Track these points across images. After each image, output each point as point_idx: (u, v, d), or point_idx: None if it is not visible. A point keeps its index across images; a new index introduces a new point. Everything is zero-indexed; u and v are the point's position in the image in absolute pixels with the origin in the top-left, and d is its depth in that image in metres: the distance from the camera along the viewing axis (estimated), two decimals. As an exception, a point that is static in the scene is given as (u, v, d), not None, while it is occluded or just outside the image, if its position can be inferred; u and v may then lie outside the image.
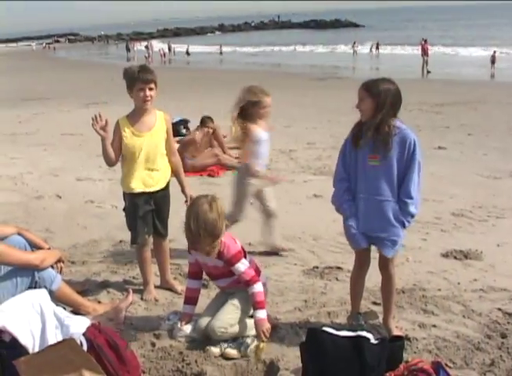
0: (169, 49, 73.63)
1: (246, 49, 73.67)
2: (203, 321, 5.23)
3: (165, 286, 6.41)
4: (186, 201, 6.14)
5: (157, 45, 73.32)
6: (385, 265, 5.26)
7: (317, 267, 6.92)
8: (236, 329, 5.18)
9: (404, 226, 5.04)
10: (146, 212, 6.02)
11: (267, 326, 5.04)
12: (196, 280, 5.50)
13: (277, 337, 5.30)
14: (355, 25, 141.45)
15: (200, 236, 4.88)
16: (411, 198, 4.97)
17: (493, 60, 38.61)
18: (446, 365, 4.74)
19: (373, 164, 4.96)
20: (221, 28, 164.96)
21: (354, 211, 5.06)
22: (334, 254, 7.33)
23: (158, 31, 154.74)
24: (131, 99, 5.91)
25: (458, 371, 4.76)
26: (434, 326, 5.51)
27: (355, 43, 63.81)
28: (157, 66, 52.22)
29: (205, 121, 12.64)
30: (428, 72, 38.16)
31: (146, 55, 62.97)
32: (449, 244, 7.63)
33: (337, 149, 13.79)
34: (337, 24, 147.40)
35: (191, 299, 5.49)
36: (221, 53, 69.92)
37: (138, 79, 5.74)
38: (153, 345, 5.23)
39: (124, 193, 6.09)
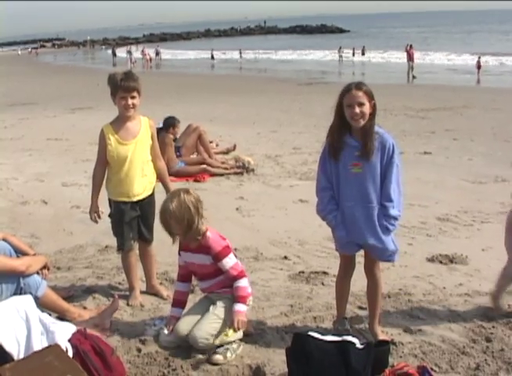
0: (156, 54, 73.47)
1: (233, 54, 73.61)
2: (183, 327, 5.20)
3: (151, 291, 6.39)
4: None
5: (151, 51, 73.00)
6: (371, 269, 5.28)
7: (303, 272, 6.92)
8: (218, 339, 5.14)
9: (388, 230, 5.02)
10: (131, 218, 6.03)
11: (243, 318, 5.04)
12: (184, 283, 5.51)
13: (263, 342, 5.30)
14: (341, 30, 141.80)
15: (171, 226, 5.01)
16: (391, 201, 4.98)
17: (479, 66, 38.93)
18: (431, 369, 4.75)
19: (356, 172, 4.95)
20: (208, 33, 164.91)
21: (340, 220, 5.04)
22: (320, 258, 7.35)
23: (144, 36, 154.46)
24: (115, 105, 5.91)
25: (443, 375, 4.78)
26: (420, 330, 5.53)
27: (340, 48, 63.95)
28: (143, 72, 52.29)
29: (169, 124, 12.37)
30: (414, 77, 38.26)
31: (130, 60, 62.93)
32: (435, 248, 7.66)
33: (323, 154, 13.87)
34: (323, 29, 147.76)
35: (179, 302, 5.49)
36: (212, 58, 69.60)
37: (120, 87, 5.72)
38: (139, 350, 5.22)
39: (110, 200, 6.10)
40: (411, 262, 7.15)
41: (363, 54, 63.78)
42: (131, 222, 6.03)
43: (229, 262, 5.19)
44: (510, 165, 12.49)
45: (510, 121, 18.77)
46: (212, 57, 70.04)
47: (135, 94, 5.78)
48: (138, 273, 6.43)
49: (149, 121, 6.09)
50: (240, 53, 69.36)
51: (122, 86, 5.71)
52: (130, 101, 5.75)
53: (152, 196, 6.17)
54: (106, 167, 5.96)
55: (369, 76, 41.49)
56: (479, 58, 40.38)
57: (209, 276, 5.32)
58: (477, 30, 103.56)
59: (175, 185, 11.19)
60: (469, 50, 57.45)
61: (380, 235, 5.01)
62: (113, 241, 7.90)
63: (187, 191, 5.12)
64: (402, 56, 50.46)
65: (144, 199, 6.05)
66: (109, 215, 6.17)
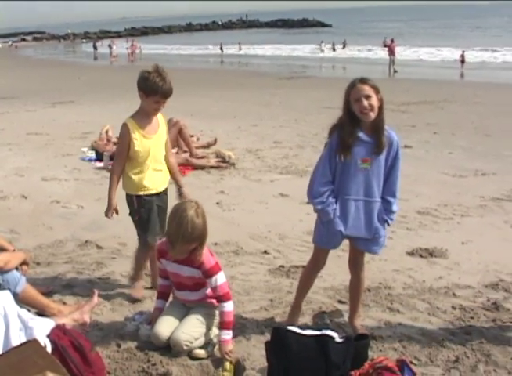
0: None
1: (214, 48, 73.41)
2: (164, 330, 5.13)
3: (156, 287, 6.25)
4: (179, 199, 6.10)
5: (146, 47, 72.54)
6: (358, 264, 5.31)
7: (283, 266, 6.92)
8: (200, 342, 5.12)
9: (388, 224, 5.12)
10: (156, 213, 6.01)
11: (230, 347, 4.96)
12: (167, 279, 5.44)
13: (243, 336, 5.30)
14: (323, 24, 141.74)
15: (188, 241, 4.89)
16: (395, 197, 5.08)
17: (462, 60, 39.16)
18: (411, 362, 4.77)
19: (365, 167, 4.96)
20: (189, 27, 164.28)
21: (338, 214, 5.00)
22: (300, 253, 7.34)
23: (126, 30, 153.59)
24: (141, 100, 5.83)
25: (423, 368, 4.81)
26: (400, 324, 5.56)
27: (322, 42, 64.03)
28: (125, 65, 52.11)
29: None
30: (395, 71, 38.34)
31: (111, 54, 62.59)
32: (415, 242, 7.69)
33: (304, 148, 13.94)
34: (304, 23, 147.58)
35: (163, 294, 5.47)
36: (222, 50, 68.64)
37: (158, 92, 5.66)
38: (119, 345, 5.19)
39: (132, 197, 5.98)
40: (391, 255, 7.17)
41: (344, 47, 63.86)
42: (156, 215, 6.00)
43: (219, 280, 5.10)
44: (491, 159, 12.59)
45: (490, 115, 18.89)
46: (221, 49, 69.06)
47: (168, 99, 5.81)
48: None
49: (163, 117, 6.10)
50: (221, 48, 68.98)
51: (162, 92, 5.67)
52: (162, 105, 5.79)
53: (167, 189, 6.16)
54: (124, 160, 5.89)
55: (350, 70, 41.53)
56: (463, 52, 40.64)
57: (196, 287, 5.25)
58: (457, 24, 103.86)
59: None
60: (450, 44, 57.63)
61: (379, 229, 5.05)
62: (93, 236, 7.94)
63: (199, 203, 5.05)
64: (383, 50, 50.57)
65: (161, 192, 6.06)
66: (132, 213, 6.07)
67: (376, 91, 4.88)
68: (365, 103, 4.80)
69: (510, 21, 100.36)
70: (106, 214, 6.07)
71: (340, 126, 4.97)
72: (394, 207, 5.10)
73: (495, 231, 8.21)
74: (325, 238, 5.18)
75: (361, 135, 4.92)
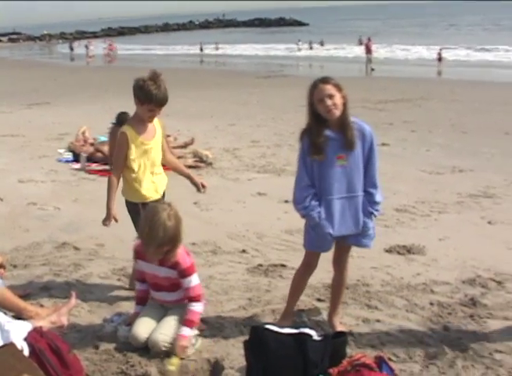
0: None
1: (192, 48, 73.22)
2: (142, 331, 5.11)
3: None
4: (199, 190, 6.10)
5: (123, 47, 72.12)
6: (343, 261, 5.33)
7: (261, 265, 6.92)
8: None
9: (373, 216, 5.12)
10: None
11: (186, 343, 4.97)
12: (145, 283, 5.42)
13: (222, 336, 5.28)
14: (300, 23, 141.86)
15: (160, 245, 4.87)
16: (376, 187, 5.09)
17: (440, 58, 39.41)
18: (389, 359, 4.78)
19: (342, 164, 4.95)
20: (166, 27, 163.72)
21: (324, 216, 4.98)
22: (278, 251, 7.35)
23: (102, 30, 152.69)
24: (136, 108, 5.73)
25: (401, 365, 4.82)
26: (378, 321, 5.57)
27: (299, 41, 64.10)
28: (102, 66, 51.90)
29: (123, 119, 12.21)
30: (372, 70, 38.45)
31: (87, 54, 62.29)
32: (393, 239, 7.71)
33: (281, 146, 13.95)
34: (281, 22, 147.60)
35: (142, 299, 5.44)
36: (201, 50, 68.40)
37: (152, 101, 5.53)
38: (97, 347, 5.16)
39: (138, 205, 5.81)
40: (369, 253, 7.12)
41: (322, 46, 63.94)
42: None
43: (193, 281, 5.14)
44: (467, 156, 12.67)
45: (467, 113, 19.02)
46: (201, 49, 68.71)
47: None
48: None
49: (160, 120, 6.00)
50: (201, 48, 68.75)
51: (157, 100, 5.54)
52: (157, 113, 5.69)
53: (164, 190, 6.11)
54: (122, 168, 5.75)
55: (327, 69, 41.57)
56: (440, 50, 40.91)
57: (172, 288, 5.23)
58: (432, 22, 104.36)
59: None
60: (426, 42, 57.90)
61: (366, 222, 5.06)
62: (70, 238, 7.89)
63: (172, 204, 5.04)
64: (360, 49, 50.71)
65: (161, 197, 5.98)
66: (136, 220, 5.79)
67: (339, 88, 4.88)
68: (329, 102, 4.81)
69: (485, 19, 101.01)
70: (104, 222, 5.94)
71: (309, 130, 4.99)
72: (378, 198, 5.11)
73: (472, 227, 8.25)
74: (316, 242, 5.14)
75: (329, 133, 4.91)
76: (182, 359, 4.86)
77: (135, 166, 5.71)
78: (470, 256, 7.13)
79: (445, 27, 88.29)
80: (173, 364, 4.80)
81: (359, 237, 5.14)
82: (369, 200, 5.07)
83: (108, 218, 5.89)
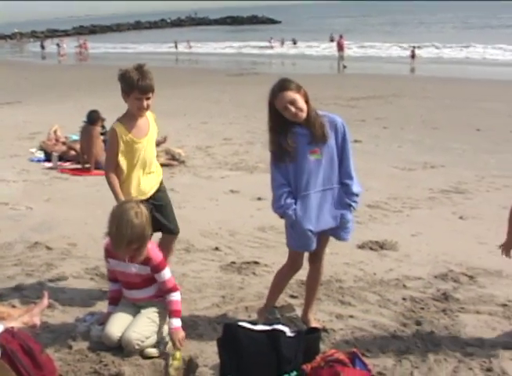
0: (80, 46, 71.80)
1: (164, 46, 72.98)
2: (115, 330, 5.08)
3: None
4: None
5: (95, 45, 71.48)
6: (320, 257, 5.34)
7: (234, 262, 6.91)
8: (152, 341, 5.08)
9: (352, 208, 5.11)
10: (156, 212, 5.76)
11: (182, 334, 4.98)
12: (117, 283, 5.39)
13: (195, 333, 5.27)
14: (272, 21, 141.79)
15: (128, 243, 4.84)
16: (352, 178, 5.07)
17: (413, 55, 39.68)
18: (363, 354, 4.79)
19: (316, 158, 4.94)
20: (138, 25, 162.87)
21: (301, 213, 4.94)
22: (251, 249, 7.35)
23: (74, 29, 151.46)
24: (126, 103, 5.60)
25: (374, 359, 4.84)
26: (351, 316, 5.59)
27: (271, 38, 64.12)
28: (74, 64, 51.57)
29: (94, 117, 12.16)
30: (344, 67, 38.58)
31: (59, 53, 61.81)
32: (365, 235, 7.74)
33: (254, 144, 13.96)
34: (254, 20, 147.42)
35: (115, 299, 5.41)
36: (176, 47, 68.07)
37: (136, 88, 5.39)
38: (70, 347, 5.12)
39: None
40: (342, 249, 7.17)
41: (294, 43, 64.01)
42: (156, 213, 5.75)
43: (167, 274, 5.13)
44: (439, 152, 12.75)
45: (438, 109, 19.14)
46: (176, 47, 68.33)
47: (150, 94, 5.53)
48: None
49: (153, 115, 5.89)
50: (176, 45, 68.45)
51: (139, 87, 5.40)
52: (145, 102, 5.49)
53: (162, 186, 5.99)
54: (115, 165, 5.61)
55: (299, 66, 41.70)
56: (414, 47, 41.20)
57: (144, 284, 5.21)
58: (403, 20, 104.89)
59: (104, 178, 11.10)
60: (397, 40, 58.19)
61: (344, 214, 5.05)
62: (42, 237, 7.82)
63: (139, 202, 5.04)
64: (332, 46, 50.84)
65: (155, 192, 5.85)
66: None
67: (298, 89, 4.87)
68: (293, 108, 4.81)
69: (454, 17, 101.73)
70: None
71: (271, 137, 5.01)
72: (355, 189, 5.08)
73: (444, 223, 8.32)
74: (298, 241, 5.09)
75: (298, 129, 4.92)
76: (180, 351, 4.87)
77: (123, 164, 5.60)
78: (442, 251, 7.18)
79: (415, 25, 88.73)
80: (177, 359, 4.78)
81: (338, 230, 5.13)
82: (346, 191, 5.06)
83: None
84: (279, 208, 4.98)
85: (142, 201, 5.54)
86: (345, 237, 5.25)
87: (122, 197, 5.50)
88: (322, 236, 5.19)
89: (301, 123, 4.91)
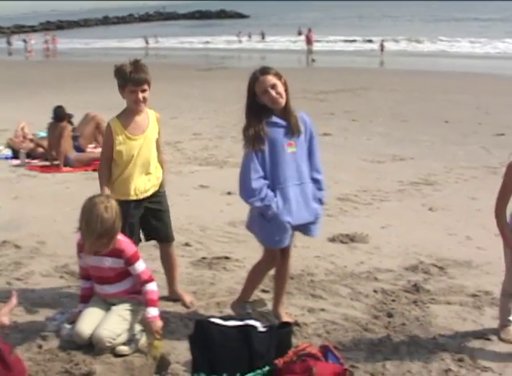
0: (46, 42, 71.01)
1: (132, 42, 72.57)
2: (85, 328, 5.01)
3: (174, 297, 5.92)
4: None
5: (62, 41, 70.67)
6: (288, 252, 5.27)
7: (205, 258, 6.88)
8: (123, 339, 5.01)
9: (322, 203, 5.15)
10: (135, 221, 5.59)
11: (159, 324, 4.93)
12: (89, 280, 5.32)
13: (167, 330, 5.20)
14: (241, 15, 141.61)
15: (98, 237, 4.81)
16: (321, 173, 5.14)
17: (382, 48, 40.01)
18: (335, 347, 4.79)
19: (292, 151, 4.94)
20: (106, 20, 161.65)
21: (281, 205, 4.90)
22: (222, 244, 7.32)
23: (41, 24, 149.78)
24: (123, 98, 5.49)
25: (347, 353, 4.83)
26: (323, 310, 5.59)
27: (240, 33, 64.09)
28: (41, 60, 51.12)
29: (61, 114, 12.02)
30: (313, 60, 38.67)
31: (26, 49, 61.20)
32: (336, 228, 7.75)
33: (223, 138, 13.91)
34: (222, 15, 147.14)
35: (86, 297, 5.33)
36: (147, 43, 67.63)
37: (129, 80, 5.29)
38: (40, 347, 5.05)
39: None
40: (312, 242, 7.15)
41: (263, 38, 64.01)
42: (133, 223, 5.57)
43: (141, 265, 5.08)
44: (408, 144, 12.82)
45: (406, 102, 19.26)
46: (146, 42, 67.89)
47: (145, 87, 5.40)
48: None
49: (157, 114, 5.73)
50: (146, 40, 67.97)
51: (132, 79, 5.29)
52: (140, 95, 5.36)
53: (162, 191, 5.79)
54: (111, 164, 5.49)
55: (268, 60, 41.62)
56: (382, 40, 41.60)
57: (117, 278, 5.16)
58: (371, 14, 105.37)
59: (74, 174, 11.03)
60: (366, 33, 58.44)
61: (317, 209, 5.08)
62: (11, 236, 7.71)
63: (110, 196, 5.01)
64: (300, 40, 50.94)
65: (152, 196, 5.65)
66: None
67: (279, 77, 4.88)
68: (273, 92, 4.80)
69: (419, 10, 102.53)
70: None
71: (247, 123, 4.95)
72: (324, 185, 5.17)
73: (413, 214, 8.36)
74: (274, 236, 5.00)
75: (276, 120, 4.91)
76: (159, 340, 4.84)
77: (118, 160, 5.46)
78: (412, 243, 7.22)
79: (381, 19, 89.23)
80: (157, 347, 4.77)
81: (310, 226, 5.13)
82: (318, 186, 5.11)
83: None
84: (260, 201, 4.86)
85: (136, 201, 5.52)
86: (316, 233, 5.26)
87: (106, 189, 5.43)
88: (300, 232, 5.19)
89: (279, 113, 4.90)
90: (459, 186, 9.72)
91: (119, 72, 5.37)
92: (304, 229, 5.15)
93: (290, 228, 4.99)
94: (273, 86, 4.81)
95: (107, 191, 5.39)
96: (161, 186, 5.76)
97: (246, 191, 4.92)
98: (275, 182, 4.94)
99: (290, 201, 4.94)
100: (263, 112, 4.89)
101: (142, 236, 5.81)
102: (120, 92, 5.44)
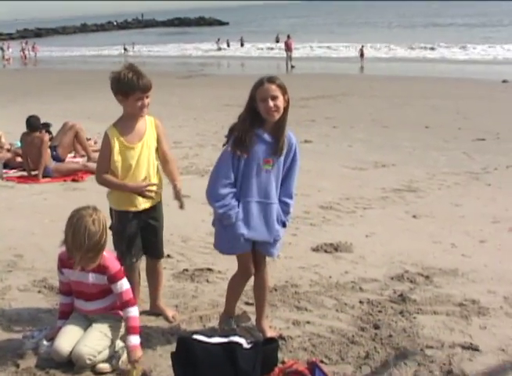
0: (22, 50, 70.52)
1: (111, 49, 72.39)
2: (65, 345, 4.84)
3: (156, 311, 5.74)
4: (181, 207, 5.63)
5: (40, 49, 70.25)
6: (260, 265, 5.14)
7: (187, 270, 6.73)
8: (104, 356, 4.86)
9: (285, 226, 5.02)
10: (134, 233, 5.41)
11: (139, 353, 4.75)
12: (69, 296, 5.15)
13: (148, 346, 5.07)
14: (220, 22, 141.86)
15: (85, 251, 4.64)
16: (292, 198, 4.99)
17: (362, 54, 40.29)
18: (322, 362, 4.70)
19: (267, 169, 4.82)
20: (84, 28, 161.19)
21: (240, 217, 4.81)
22: (204, 255, 7.17)
23: (18, 32, 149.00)
24: (120, 105, 5.30)
25: (334, 367, 4.73)
26: (308, 322, 5.46)
27: (219, 40, 64.15)
28: (18, 68, 50.83)
29: (34, 124, 11.87)
30: (292, 67, 38.70)
31: (3, 57, 60.91)
32: (319, 237, 7.65)
33: (204, 147, 13.79)
34: (201, 22, 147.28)
35: (66, 314, 5.16)
36: (125, 50, 67.53)
37: (137, 88, 5.11)
38: (17, 366, 4.86)
39: (111, 209, 5.44)
40: (296, 252, 7.09)
41: (242, 45, 64.07)
42: (133, 236, 5.40)
43: (124, 284, 4.91)
44: (389, 150, 12.78)
45: (387, 107, 19.30)
46: (125, 49, 67.91)
47: (149, 92, 5.25)
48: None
49: (156, 120, 5.48)
50: (125, 49, 67.88)
51: (140, 86, 5.11)
52: (146, 101, 5.21)
53: (159, 204, 5.67)
54: (107, 172, 5.28)
55: (247, 67, 41.75)
56: (362, 47, 41.93)
57: (100, 295, 5.01)
58: (349, 20, 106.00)
59: (52, 186, 10.85)
60: (345, 39, 58.74)
61: (279, 231, 4.95)
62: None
63: (97, 209, 4.80)
64: (278, 47, 51.03)
65: (150, 208, 5.50)
66: (110, 227, 5.29)
67: (284, 91, 4.74)
68: (271, 103, 4.65)
69: (396, 16, 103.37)
70: (144, 195, 5.39)
71: (240, 123, 4.81)
72: (291, 209, 5.04)
73: (397, 222, 8.29)
74: (227, 243, 4.96)
75: (262, 133, 4.77)
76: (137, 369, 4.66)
77: (116, 170, 5.27)
78: (397, 251, 7.14)
79: (360, 25, 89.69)
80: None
81: (268, 246, 5.00)
82: (284, 210, 4.98)
83: (143, 186, 5.37)
84: (222, 207, 4.78)
85: (135, 212, 5.37)
86: (274, 253, 5.13)
87: (131, 184, 5.28)
88: (255, 249, 5.03)
89: (269, 129, 4.78)
90: (442, 193, 9.68)
91: (121, 82, 5.15)
92: (261, 247, 5.02)
93: (243, 240, 4.87)
94: (274, 98, 4.67)
95: (131, 183, 5.27)
96: (160, 199, 5.64)
97: (212, 194, 4.84)
98: (242, 193, 4.84)
99: (250, 216, 4.84)
100: (256, 120, 4.77)
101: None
102: (121, 100, 5.24)
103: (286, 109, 4.77)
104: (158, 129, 5.46)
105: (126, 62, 5.41)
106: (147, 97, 5.23)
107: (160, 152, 5.49)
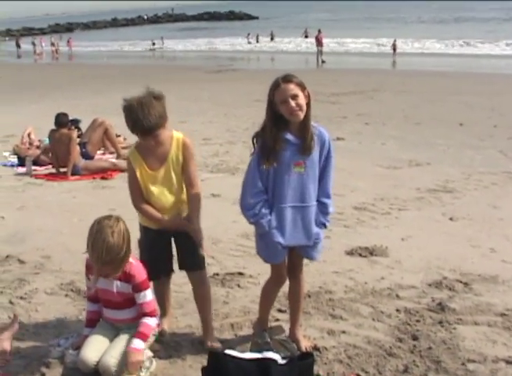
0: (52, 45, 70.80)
1: (141, 43, 72.57)
2: (92, 355, 4.67)
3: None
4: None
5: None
6: (297, 269, 4.97)
7: (217, 274, 6.51)
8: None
9: (325, 227, 4.82)
10: (159, 249, 5.12)
11: (139, 357, 4.58)
12: (96, 303, 4.99)
13: (178, 356, 4.90)
14: (250, 17, 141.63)
15: (103, 263, 4.48)
16: (330, 198, 4.79)
17: (394, 48, 39.98)
18: (358, 375, 4.49)
19: (299, 171, 4.60)
20: (115, 22, 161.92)
21: (275, 224, 4.63)
22: (235, 258, 6.97)
23: (50, 27, 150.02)
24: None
25: (371, 381, 4.53)
26: (344, 332, 5.25)
27: (249, 34, 63.96)
28: (50, 63, 51.06)
29: (62, 121, 11.65)
30: (323, 62, 38.39)
31: (35, 51, 61.27)
32: (353, 240, 7.43)
33: (234, 143, 13.62)
34: (231, 16, 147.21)
35: (93, 322, 4.99)
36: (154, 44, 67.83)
37: (135, 133, 4.79)
38: (43, 374, 4.72)
39: (140, 224, 5.19)
40: (330, 256, 6.85)
41: (272, 39, 63.84)
42: (158, 252, 5.12)
43: (148, 295, 4.75)
44: (423, 148, 12.52)
45: (419, 104, 18.99)
46: (153, 44, 68.17)
47: (157, 132, 4.78)
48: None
49: (185, 139, 4.98)
50: (153, 43, 68.06)
51: (137, 133, 4.78)
52: (152, 142, 4.82)
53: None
54: (140, 194, 4.98)
55: (278, 62, 41.49)
56: (394, 41, 41.67)
57: (127, 304, 4.83)
58: (378, 16, 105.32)
59: (81, 183, 10.75)
60: (375, 35, 58.29)
61: (318, 234, 4.76)
62: (15, 250, 7.41)
63: (120, 219, 4.60)
64: (308, 42, 50.75)
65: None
66: (139, 241, 5.19)
67: (303, 88, 4.50)
68: (293, 103, 4.41)
69: (424, 11, 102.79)
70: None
71: (265, 133, 4.58)
72: (331, 209, 4.81)
73: (434, 224, 8.04)
74: (266, 252, 4.80)
75: (289, 137, 4.55)
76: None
77: (144, 191, 4.98)
78: (434, 256, 6.89)
79: (389, 21, 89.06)
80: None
81: (309, 249, 4.82)
82: (322, 210, 4.76)
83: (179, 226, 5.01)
84: (253, 217, 4.63)
85: (159, 230, 5.05)
86: (316, 257, 4.95)
87: (167, 220, 4.97)
88: (294, 252, 4.86)
89: (295, 130, 4.56)
90: (478, 194, 9.40)
91: (126, 119, 4.83)
92: (301, 251, 4.84)
93: (281, 248, 4.71)
94: (294, 97, 4.42)
95: (164, 217, 4.98)
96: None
97: (243, 204, 4.68)
98: (275, 200, 4.65)
99: (285, 222, 4.65)
100: (281, 124, 4.55)
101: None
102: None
103: (308, 105, 4.52)
104: (186, 152, 4.98)
105: (142, 92, 5.04)
106: (156, 136, 4.81)
107: (186, 174, 5.02)
